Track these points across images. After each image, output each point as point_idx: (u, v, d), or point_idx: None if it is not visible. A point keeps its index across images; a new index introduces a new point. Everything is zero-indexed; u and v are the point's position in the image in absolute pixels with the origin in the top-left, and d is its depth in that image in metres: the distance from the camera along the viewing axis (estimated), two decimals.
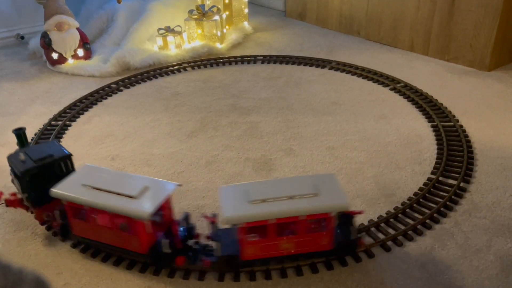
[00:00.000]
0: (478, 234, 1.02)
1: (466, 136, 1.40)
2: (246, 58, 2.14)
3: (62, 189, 0.96)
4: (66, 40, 1.99)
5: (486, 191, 1.16)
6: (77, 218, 0.98)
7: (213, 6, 2.26)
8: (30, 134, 1.52)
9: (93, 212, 0.94)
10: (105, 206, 0.91)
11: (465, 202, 1.13)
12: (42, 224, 1.10)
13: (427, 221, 1.06)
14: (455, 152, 1.32)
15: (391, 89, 1.77)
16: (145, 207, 0.89)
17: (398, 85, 1.78)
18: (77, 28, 2.05)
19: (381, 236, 1.03)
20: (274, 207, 0.87)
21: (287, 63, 2.09)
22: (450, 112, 1.55)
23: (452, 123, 1.47)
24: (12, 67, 2.15)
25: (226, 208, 0.89)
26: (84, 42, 2.07)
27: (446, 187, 1.18)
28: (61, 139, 1.50)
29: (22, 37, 2.44)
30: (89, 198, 0.93)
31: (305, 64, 2.06)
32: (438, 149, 1.35)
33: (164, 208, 0.96)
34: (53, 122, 1.60)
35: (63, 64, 2.03)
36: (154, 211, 0.89)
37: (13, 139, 1.45)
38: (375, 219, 1.08)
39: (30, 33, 2.47)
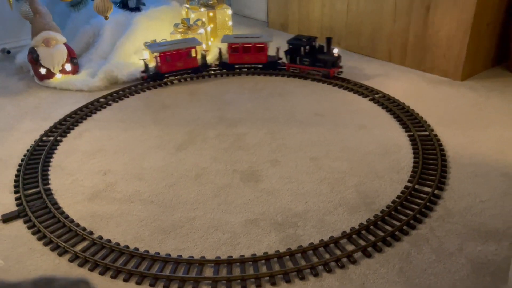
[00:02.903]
0: (451, 239, 1.11)
1: (440, 145, 1.49)
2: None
3: None
4: (54, 56, 2.02)
5: (459, 198, 1.25)
6: None
7: (198, 20, 2.32)
8: (22, 151, 1.56)
9: None
10: None
11: (439, 208, 1.21)
12: None
13: (404, 227, 1.14)
14: (430, 161, 1.40)
15: (370, 100, 1.85)
16: None
17: (377, 95, 1.87)
18: (64, 43, 2.08)
19: (362, 242, 1.11)
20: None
21: (270, 74, 2.16)
22: (425, 121, 1.64)
23: (427, 133, 1.56)
24: None
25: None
26: (72, 57, 2.10)
27: (422, 195, 1.26)
28: (53, 155, 1.54)
29: (8, 51, 2.46)
30: None
31: (288, 76, 2.14)
32: (414, 158, 1.44)
33: None
34: (44, 138, 1.63)
35: (51, 79, 2.07)
36: None
37: (3, 156, 1.49)
38: (357, 227, 1.16)
39: (16, 47, 2.49)
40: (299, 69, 2.09)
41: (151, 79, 2.05)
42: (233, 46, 2.12)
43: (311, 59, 2.05)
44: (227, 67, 2.16)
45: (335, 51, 2.02)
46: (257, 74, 2.17)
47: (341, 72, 2.04)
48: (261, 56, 2.14)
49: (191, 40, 2.13)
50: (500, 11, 1.95)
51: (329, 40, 2.02)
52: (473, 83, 1.95)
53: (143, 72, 2.05)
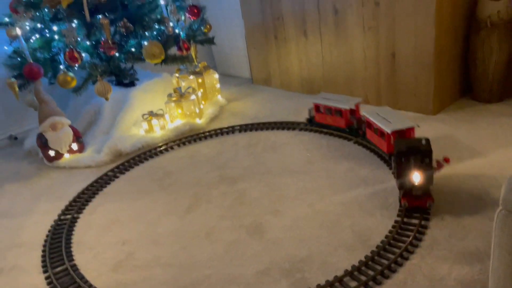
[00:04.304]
0: (440, 264, 1.25)
1: None
2: (225, 130, 2.39)
3: None
4: (61, 138, 2.20)
5: (443, 226, 1.40)
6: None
7: (188, 87, 2.53)
8: (43, 232, 1.69)
9: None
10: None
11: (427, 237, 1.36)
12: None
13: (398, 259, 1.28)
14: None
15: (354, 143, 2.04)
16: None
17: (359, 138, 2.05)
18: (69, 125, 2.26)
19: (363, 278, 1.24)
20: None
21: (261, 129, 2.35)
22: None
23: None
24: (10, 168, 2.33)
25: None
26: (77, 137, 2.28)
27: (411, 227, 1.41)
28: (73, 232, 1.68)
29: (15, 138, 2.64)
30: None
31: (278, 128, 2.33)
32: None
33: None
34: (62, 217, 1.77)
35: (60, 160, 2.23)
36: None
37: (27, 239, 1.63)
38: (356, 264, 1.30)
39: (22, 133, 2.67)
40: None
41: (308, 122, 2.23)
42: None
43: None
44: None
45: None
46: (249, 130, 2.35)
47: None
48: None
49: (351, 100, 2.10)
50: (457, 49, 2.18)
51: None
52: (444, 116, 2.15)
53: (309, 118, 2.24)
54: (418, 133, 1.81)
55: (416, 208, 1.47)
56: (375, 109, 1.92)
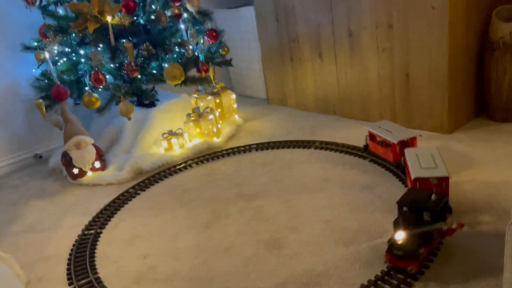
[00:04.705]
0: (455, 274, 1.26)
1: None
2: (242, 148, 2.45)
3: None
4: (85, 156, 2.28)
5: (453, 237, 1.42)
6: None
7: (207, 107, 2.62)
8: (68, 246, 1.75)
9: None
10: None
11: (442, 247, 1.38)
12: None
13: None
14: None
15: (370, 161, 2.07)
16: None
17: (375, 156, 2.08)
18: (93, 144, 2.35)
19: None
20: None
21: (277, 148, 2.40)
22: None
23: None
24: (36, 185, 2.42)
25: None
26: (100, 155, 2.36)
27: None
28: (96, 246, 1.74)
29: (40, 156, 2.74)
30: None
31: (293, 147, 2.38)
32: None
33: None
34: (86, 232, 1.83)
35: (83, 177, 2.31)
36: None
37: (53, 253, 1.69)
38: (373, 278, 1.32)
39: (46, 151, 2.77)
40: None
41: (364, 149, 2.14)
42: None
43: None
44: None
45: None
46: (265, 149, 2.41)
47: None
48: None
49: (403, 132, 1.93)
50: (472, 69, 2.22)
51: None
52: (459, 135, 2.17)
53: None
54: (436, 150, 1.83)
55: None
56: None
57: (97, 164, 2.35)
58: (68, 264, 1.63)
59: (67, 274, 1.57)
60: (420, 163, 1.61)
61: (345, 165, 2.08)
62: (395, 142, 1.88)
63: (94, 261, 1.64)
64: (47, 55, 2.28)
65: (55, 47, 2.34)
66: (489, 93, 2.23)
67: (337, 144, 2.29)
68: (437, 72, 2.11)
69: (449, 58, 2.06)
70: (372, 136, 2.03)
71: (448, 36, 2.03)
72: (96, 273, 1.56)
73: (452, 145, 2.08)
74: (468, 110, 2.28)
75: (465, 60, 2.17)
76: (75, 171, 2.31)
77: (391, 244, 1.33)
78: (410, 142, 1.90)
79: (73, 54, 2.36)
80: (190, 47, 2.45)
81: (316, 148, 2.31)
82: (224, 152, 2.44)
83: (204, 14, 2.65)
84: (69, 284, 1.52)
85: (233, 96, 2.89)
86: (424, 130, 2.27)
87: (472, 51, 2.20)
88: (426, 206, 1.30)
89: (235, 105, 2.89)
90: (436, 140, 2.15)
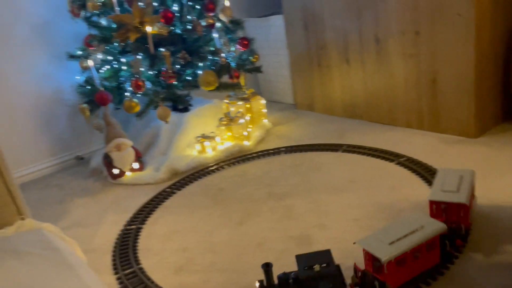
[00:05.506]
0: (478, 270, 1.32)
1: None
2: (271, 151, 2.55)
3: None
4: (125, 158, 2.43)
5: (483, 238, 1.47)
6: None
7: (238, 112, 2.74)
8: (112, 239, 1.89)
9: None
10: None
11: (467, 250, 1.44)
12: None
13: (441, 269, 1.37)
14: None
15: (396, 164, 2.13)
16: None
17: (401, 159, 2.15)
18: (132, 146, 2.50)
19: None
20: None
21: (306, 151, 2.49)
22: None
23: None
24: (79, 185, 2.58)
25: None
26: (138, 157, 2.51)
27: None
28: (138, 240, 1.87)
29: (82, 158, 2.92)
30: None
31: (321, 150, 2.46)
32: None
33: None
34: (128, 227, 1.97)
35: (123, 177, 2.46)
36: None
37: (98, 245, 1.83)
38: None
39: (87, 153, 2.95)
40: None
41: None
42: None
43: None
44: None
45: None
46: (294, 152, 2.50)
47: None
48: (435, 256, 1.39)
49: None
50: (498, 75, 2.26)
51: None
52: (486, 139, 2.21)
53: None
54: (460, 157, 1.88)
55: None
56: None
57: (136, 165, 2.50)
58: (113, 256, 1.77)
59: (113, 265, 1.71)
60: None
61: (372, 167, 2.15)
62: None
63: (136, 253, 1.77)
64: (91, 63, 2.45)
65: (99, 56, 2.51)
66: None
67: (364, 147, 2.36)
68: (464, 77, 2.17)
69: (475, 63, 2.11)
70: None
71: (474, 43, 2.08)
72: (139, 264, 1.69)
73: (478, 149, 2.12)
74: (495, 115, 2.32)
75: (491, 65, 2.21)
76: (115, 171, 2.46)
77: None
78: None
79: (115, 62, 2.52)
80: (223, 54, 2.58)
81: (343, 151, 2.39)
82: (254, 154, 2.55)
83: (236, 23, 2.78)
84: (115, 273, 1.65)
85: (263, 101, 3.00)
86: (450, 134, 2.32)
87: (499, 57, 2.24)
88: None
89: (264, 110, 3.01)
90: (462, 144, 2.19)
